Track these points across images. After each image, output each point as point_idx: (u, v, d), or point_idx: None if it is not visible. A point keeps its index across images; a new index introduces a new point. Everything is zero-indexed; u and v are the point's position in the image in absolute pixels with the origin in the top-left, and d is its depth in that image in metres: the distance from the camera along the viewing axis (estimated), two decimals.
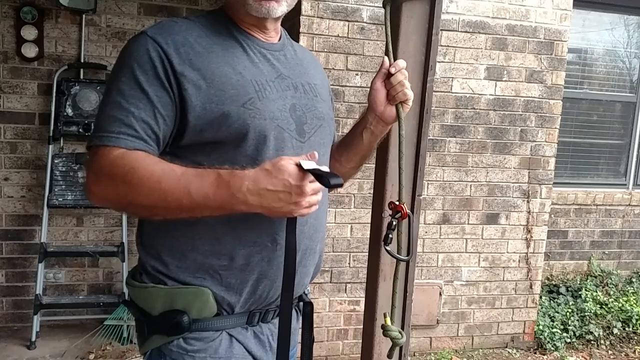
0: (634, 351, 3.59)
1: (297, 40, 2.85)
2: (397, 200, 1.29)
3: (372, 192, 1.65)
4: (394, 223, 1.30)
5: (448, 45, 3.16)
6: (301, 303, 1.27)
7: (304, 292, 1.27)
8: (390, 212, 1.32)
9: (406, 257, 1.36)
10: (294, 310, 1.23)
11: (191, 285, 1.07)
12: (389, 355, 1.46)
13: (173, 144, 1.06)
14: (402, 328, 1.59)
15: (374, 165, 1.59)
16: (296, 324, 1.25)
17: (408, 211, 1.30)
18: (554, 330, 3.55)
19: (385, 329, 1.36)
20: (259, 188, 0.94)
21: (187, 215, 0.98)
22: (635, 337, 3.71)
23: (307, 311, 1.28)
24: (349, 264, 3.13)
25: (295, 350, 1.29)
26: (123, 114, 0.99)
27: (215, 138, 1.03)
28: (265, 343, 1.15)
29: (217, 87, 1.03)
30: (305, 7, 2.87)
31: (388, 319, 1.36)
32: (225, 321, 1.09)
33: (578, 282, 4.05)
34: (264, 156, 1.04)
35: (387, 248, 1.29)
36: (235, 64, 1.07)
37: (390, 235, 1.30)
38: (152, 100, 1.00)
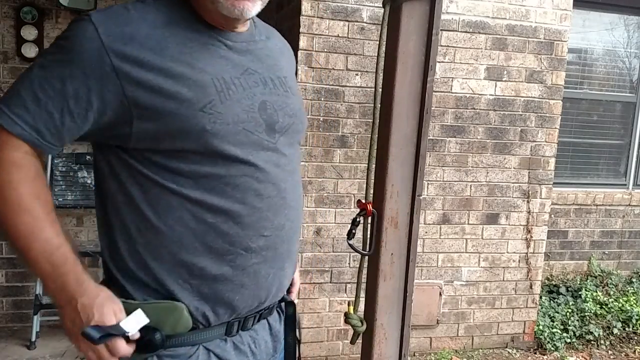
0: (634, 351, 3.59)
1: (297, 40, 2.85)
2: (365, 200, 1.37)
3: (372, 192, 1.66)
4: (358, 220, 1.37)
5: (448, 46, 3.16)
6: (282, 303, 1.20)
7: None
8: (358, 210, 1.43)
9: (367, 252, 1.42)
10: (275, 312, 1.18)
11: (162, 300, 0.99)
12: (352, 341, 1.52)
13: (123, 147, 0.97)
14: (402, 328, 1.59)
15: (373, 166, 1.59)
16: (279, 327, 1.19)
17: (372, 209, 1.37)
18: (554, 330, 3.56)
19: (347, 317, 1.42)
20: (71, 320, 0.91)
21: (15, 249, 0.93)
22: (635, 337, 3.71)
23: (290, 312, 1.21)
24: (349, 264, 3.13)
25: (282, 355, 1.23)
26: (30, 97, 0.91)
27: (173, 147, 0.95)
28: (247, 352, 1.09)
29: (171, 90, 0.93)
30: (305, 7, 2.87)
31: (351, 308, 1.42)
32: (202, 335, 1.02)
33: (578, 282, 4.05)
34: (233, 161, 0.98)
35: (350, 242, 1.37)
36: (194, 61, 0.96)
37: (353, 231, 1.38)
38: (66, 94, 0.91)
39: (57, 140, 0.95)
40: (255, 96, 1.03)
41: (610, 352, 3.58)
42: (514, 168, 3.38)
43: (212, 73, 0.98)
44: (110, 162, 1.00)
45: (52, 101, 0.91)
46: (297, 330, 1.23)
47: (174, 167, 0.97)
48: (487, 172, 3.34)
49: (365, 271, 1.59)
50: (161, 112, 0.93)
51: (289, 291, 1.24)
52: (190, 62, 0.96)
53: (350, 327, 1.53)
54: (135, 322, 0.93)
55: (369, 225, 1.44)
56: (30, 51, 3.21)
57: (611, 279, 4.12)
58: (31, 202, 0.91)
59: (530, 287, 3.50)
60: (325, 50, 2.94)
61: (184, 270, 0.99)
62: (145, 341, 0.97)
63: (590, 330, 3.62)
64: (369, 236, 1.44)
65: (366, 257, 1.47)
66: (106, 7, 0.98)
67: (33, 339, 3.10)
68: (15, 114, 0.91)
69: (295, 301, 1.26)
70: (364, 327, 1.47)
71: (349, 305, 1.45)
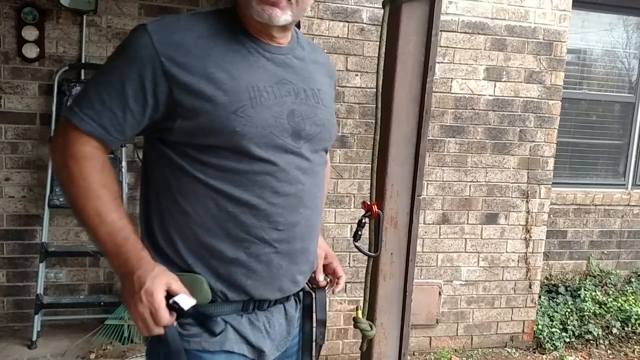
0: (633, 351, 3.60)
1: None
2: (369, 201, 1.37)
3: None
4: (364, 221, 1.39)
5: (447, 46, 3.17)
6: (301, 293, 1.30)
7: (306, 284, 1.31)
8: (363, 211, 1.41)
9: (374, 254, 1.44)
10: (292, 300, 1.27)
11: (186, 271, 1.10)
12: (361, 347, 1.52)
13: (164, 140, 1.10)
14: (402, 327, 1.60)
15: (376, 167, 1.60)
16: (295, 313, 1.27)
17: (378, 211, 1.39)
18: (553, 329, 3.56)
19: (356, 321, 1.44)
20: (128, 289, 1.04)
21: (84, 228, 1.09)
22: (634, 337, 3.72)
23: (307, 303, 1.32)
24: (349, 264, 3.14)
25: (297, 340, 1.31)
26: (96, 99, 1.05)
27: (206, 142, 1.07)
28: (261, 329, 1.18)
29: (210, 93, 1.04)
30: None
31: (359, 312, 1.44)
32: (221, 308, 1.12)
33: (577, 282, 4.06)
34: (256, 160, 1.08)
35: (357, 244, 1.40)
36: (232, 69, 1.08)
37: (359, 232, 1.40)
38: (126, 94, 1.05)
39: (120, 134, 1.09)
40: (285, 104, 1.13)
41: (609, 351, 3.59)
42: (513, 168, 3.39)
43: (247, 81, 1.09)
44: (155, 154, 1.14)
45: (114, 102, 1.05)
46: (322, 312, 1.34)
47: (204, 160, 1.08)
48: (487, 172, 3.35)
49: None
50: (199, 112, 1.05)
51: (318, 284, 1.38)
52: (229, 69, 1.08)
53: (357, 330, 1.54)
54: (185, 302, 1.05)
55: (375, 227, 1.44)
56: (31, 51, 3.21)
57: (610, 279, 4.13)
58: (99, 189, 1.05)
59: (530, 286, 3.51)
60: (325, 50, 2.94)
61: (205, 251, 1.11)
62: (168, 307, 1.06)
63: (589, 330, 3.63)
64: (377, 238, 1.44)
65: (367, 257, 1.47)
66: (160, 18, 1.11)
67: (34, 338, 3.11)
68: (85, 114, 1.05)
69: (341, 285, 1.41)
70: (374, 331, 1.48)
71: (357, 309, 1.46)
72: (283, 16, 1.09)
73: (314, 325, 1.34)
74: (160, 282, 1.02)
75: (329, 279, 1.41)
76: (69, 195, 1.07)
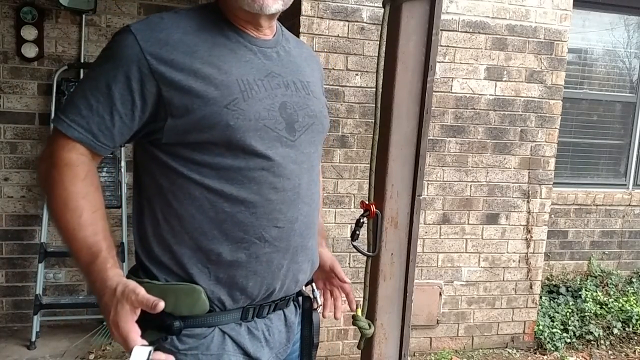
0: (634, 351, 3.59)
1: None
2: (368, 200, 1.37)
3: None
4: (362, 221, 1.39)
5: (448, 46, 3.16)
6: (300, 297, 1.28)
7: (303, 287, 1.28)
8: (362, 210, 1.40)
9: (372, 253, 1.43)
10: (292, 305, 1.24)
11: (182, 281, 1.07)
12: (359, 346, 1.53)
13: (155, 143, 1.07)
14: (402, 328, 1.59)
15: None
16: (295, 319, 1.25)
17: (376, 210, 1.39)
18: (554, 330, 3.56)
19: (355, 319, 1.45)
20: (102, 307, 0.99)
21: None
22: (635, 338, 3.71)
23: (307, 307, 1.29)
24: (349, 264, 3.13)
25: (298, 346, 1.29)
26: (83, 104, 1.02)
27: (199, 139, 1.04)
28: (260, 338, 1.15)
29: (200, 89, 1.02)
30: (305, 7, 2.87)
31: (359, 310, 1.44)
32: (218, 318, 1.09)
33: (578, 282, 4.05)
34: (252, 155, 1.06)
35: (354, 244, 1.39)
36: (221, 64, 1.06)
37: (357, 232, 1.39)
38: (113, 97, 1.02)
39: (109, 140, 1.05)
40: (276, 97, 1.11)
41: (610, 352, 3.58)
42: (514, 168, 3.38)
43: (237, 74, 1.07)
44: (147, 159, 1.10)
45: (102, 105, 1.02)
46: (314, 334, 1.30)
47: (198, 160, 1.05)
48: (487, 172, 3.34)
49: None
50: (190, 109, 1.03)
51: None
52: (218, 64, 1.06)
53: (356, 329, 1.54)
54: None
55: (374, 226, 1.44)
56: (30, 51, 3.21)
57: (611, 279, 4.12)
58: (77, 200, 1.00)
59: (530, 287, 3.50)
60: (325, 50, 2.94)
61: (202, 255, 1.08)
62: (164, 326, 1.04)
63: (590, 330, 3.62)
64: (375, 237, 1.43)
65: (366, 257, 1.47)
66: (143, 18, 1.09)
67: (33, 339, 3.11)
68: (71, 120, 1.02)
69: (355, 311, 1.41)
70: (372, 330, 1.48)
71: (357, 307, 1.46)
72: (274, 5, 1.08)
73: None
74: (124, 311, 0.95)
75: (320, 299, 1.39)
76: (48, 206, 1.04)
